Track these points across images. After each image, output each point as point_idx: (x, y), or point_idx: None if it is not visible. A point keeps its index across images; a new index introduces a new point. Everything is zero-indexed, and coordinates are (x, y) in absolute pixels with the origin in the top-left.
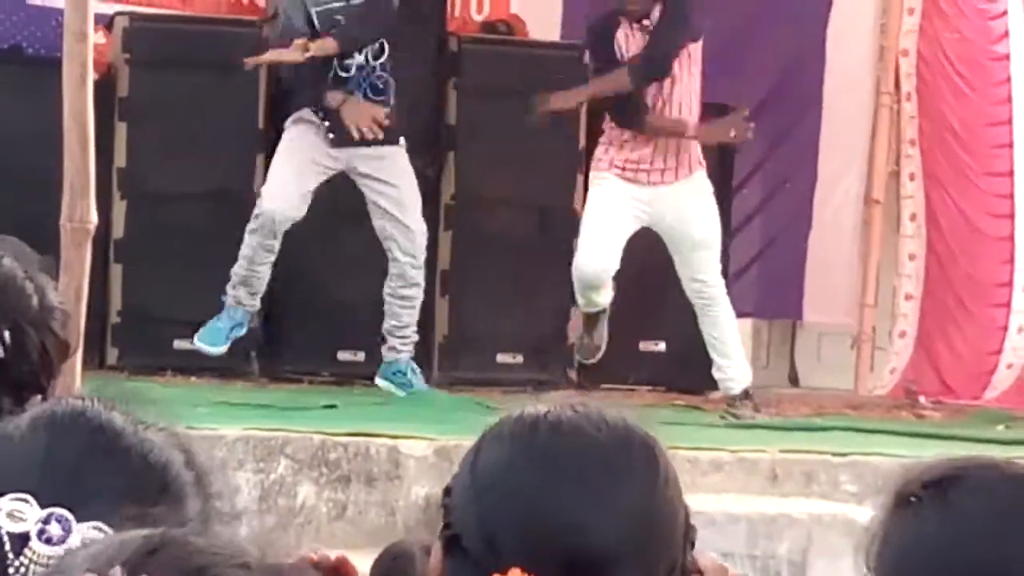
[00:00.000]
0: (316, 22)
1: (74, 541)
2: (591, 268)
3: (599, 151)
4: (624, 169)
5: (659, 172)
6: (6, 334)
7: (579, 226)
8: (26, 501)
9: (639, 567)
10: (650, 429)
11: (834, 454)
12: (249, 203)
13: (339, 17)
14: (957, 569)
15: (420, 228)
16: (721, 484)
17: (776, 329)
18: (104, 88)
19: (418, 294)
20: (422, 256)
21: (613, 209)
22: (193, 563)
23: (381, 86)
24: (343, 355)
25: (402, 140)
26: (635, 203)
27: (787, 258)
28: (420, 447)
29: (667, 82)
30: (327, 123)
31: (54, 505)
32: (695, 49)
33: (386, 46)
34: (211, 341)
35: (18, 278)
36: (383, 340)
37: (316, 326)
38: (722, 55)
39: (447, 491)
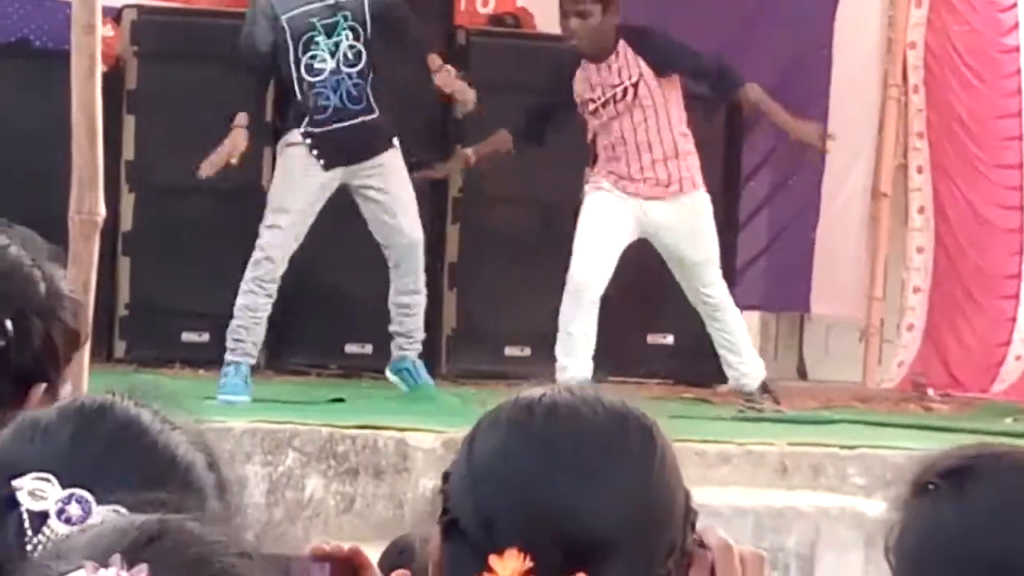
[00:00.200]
0: (288, 29)
1: (93, 522)
2: (583, 277)
3: (593, 170)
4: (615, 185)
5: (651, 185)
6: (8, 323)
7: None
8: (48, 481)
9: (636, 549)
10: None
11: (842, 447)
12: (257, 197)
13: (314, 20)
14: (974, 557)
15: (416, 234)
16: (729, 477)
17: (784, 322)
18: (112, 81)
19: (419, 301)
20: (419, 262)
21: (607, 218)
22: (192, 551)
23: (356, 94)
24: (351, 348)
25: (395, 141)
26: (628, 213)
27: (795, 251)
28: (428, 440)
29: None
30: (315, 150)
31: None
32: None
33: (363, 54)
34: (235, 392)
35: (25, 266)
36: (392, 338)
37: (324, 319)
38: (730, 48)
39: (445, 477)
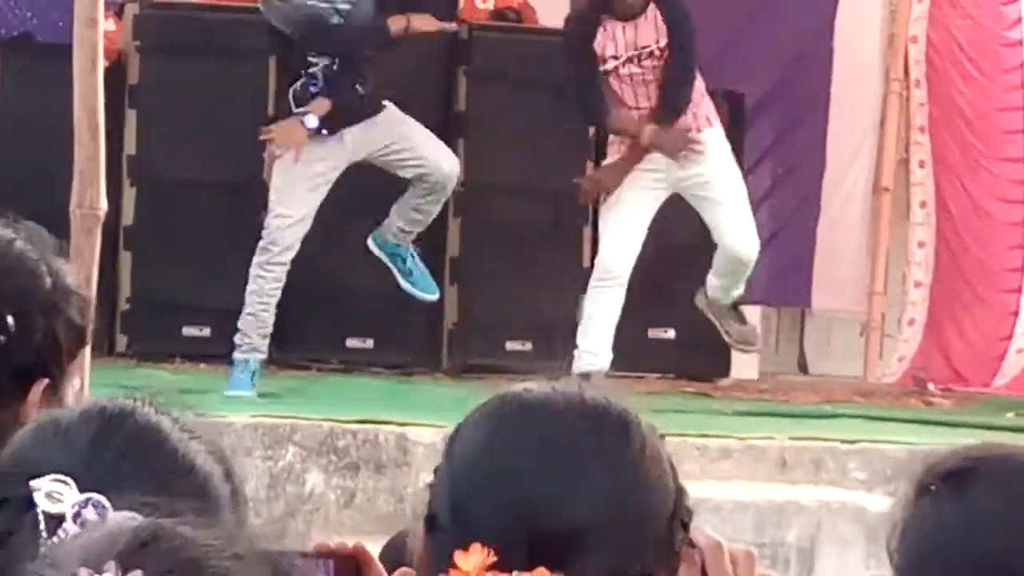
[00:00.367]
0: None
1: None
2: (616, 266)
3: (612, 138)
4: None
5: None
6: (9, 318)
7: (588, 213)
8: (65, 483)
9: (609, 544)
10: (657, 416)
11: (843, 441)
12: (258, 191)
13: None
14: (974, 559)
15: (445, 157)
16: (730, 471)
17: (785, 316)
18: (114, 75)
19: (436, 212)
20: (452, 185)
21: (631, 198)
22: (185, 555)
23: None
24: (352, 342)
25: (387, 103)
26: (653, 175)
27: (796, 246)
28: (428, 434)
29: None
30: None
31: (92, 492)
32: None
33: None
34: (240, 387)
35: (30, 260)
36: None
37: (325, 313)
38: (731, 43)
39: (435, 472)
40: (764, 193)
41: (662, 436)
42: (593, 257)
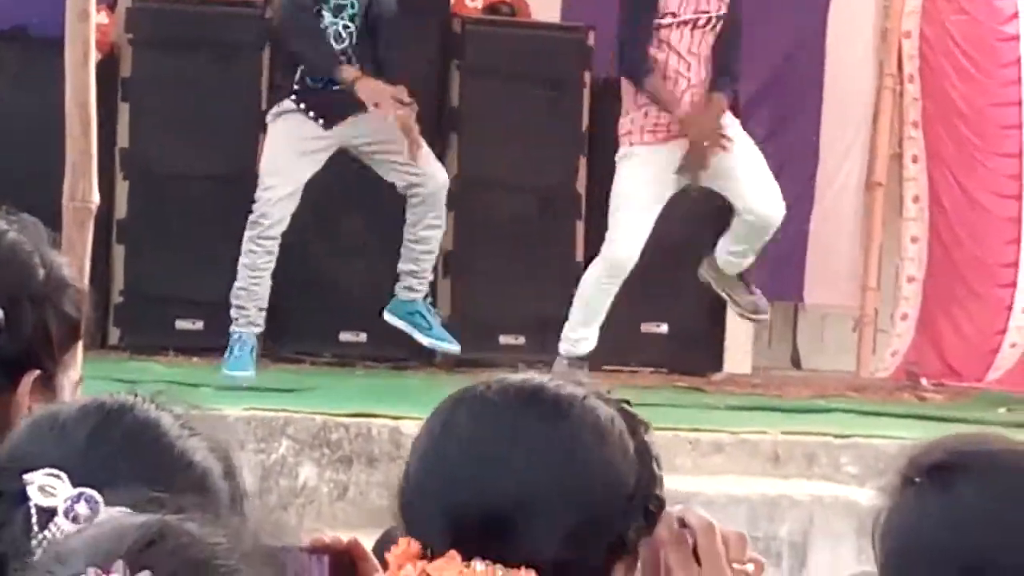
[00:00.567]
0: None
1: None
2: (626, 258)
3: (624, 123)
4: (655, 130)
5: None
6: None
7: (581, 207)
8: (58, 477)
9: (541, 528)
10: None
11: (836, 436)
12: (251, 184)
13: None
14: (956, 553)
15: (436, 169)
16: (722, 466)
17: (778, 311)
18: (107, 68)
19: (437, 236)
20: (444, 197)
21: (646, 188)
22: (192, 554)
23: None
24: (345, 336)
25: None
26: (668, 167)
27: (789, 240)
28: None
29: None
30: (311, 111)
31: (86, 487)
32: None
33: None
34: (240, 367)
35: (22, 252)
36: (396, 279)
37: (318, 307)
38: None
39: None
40: None
41: (646, 426)
42: (587, 252)
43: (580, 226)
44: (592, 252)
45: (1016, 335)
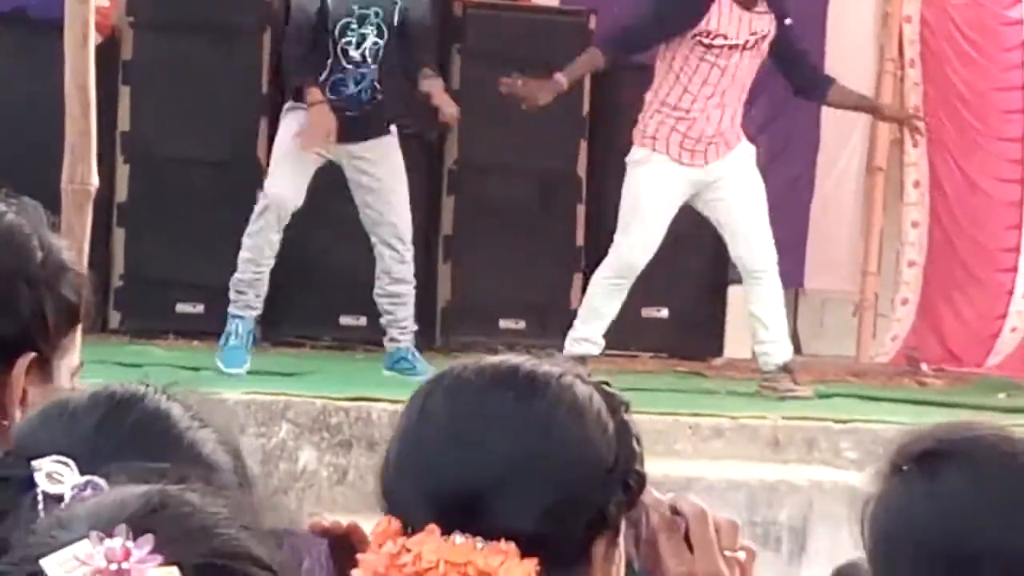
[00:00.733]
0: (330, 7)
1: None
2: (638, 264)
3: (648, 122)
4: (682, 148)
5: (715, 148)
6: None
7: (582, 192)
8: (66, 465)
9: (517, 505)
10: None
11: (835, 421)
12: (252, 167)
13: (353, 6)
14: (940, 542)
15: (405, 224)
16: (722, 450)
17: None
18: (108, 51)
19: (406, 291)
20: (407, 250)
21: (664, 197)
22: (194, 522)
23: (373, 88)
24: (345, 319)
25: (393, 128)
26: (686, 185)
27: (789, 226)
28: None
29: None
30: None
31: (94, 475)
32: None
33: (382, 52)
34: (235, 362)
35: (19, 235)
36: (383, 333)
37: (318, 291)
38: None
39: None
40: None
41: (625, 405)
42: (587, 236)
43: (581, 210)
44: (593, 236)
45: (1016, 320)
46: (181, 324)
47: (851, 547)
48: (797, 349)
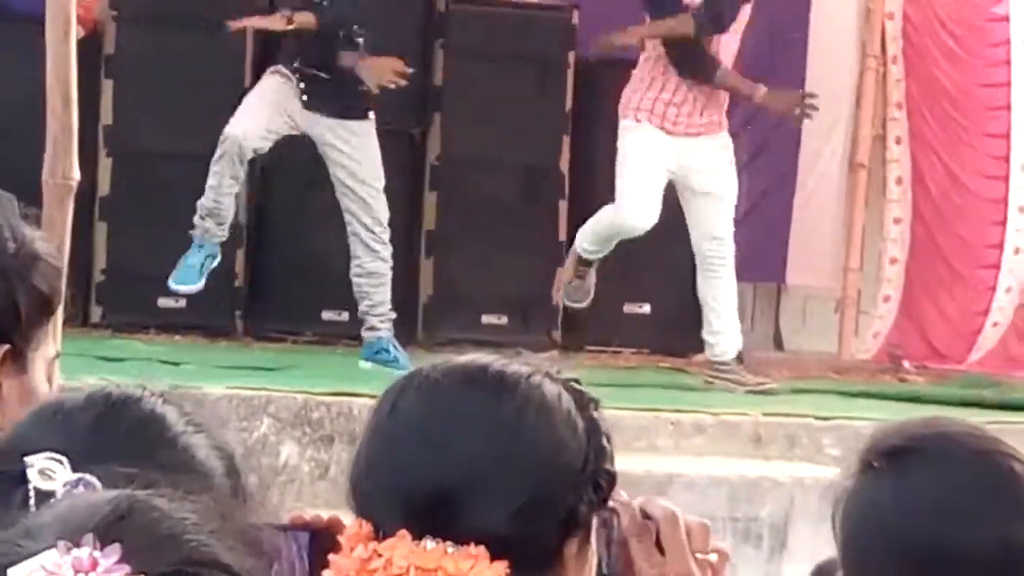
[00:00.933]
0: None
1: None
2: (638, 222)
3: (630, 95)
4: (664, 117)
5: (696, 123)
6: None
7: (565, 187)
8: (59, 462)
9: (488, 505)
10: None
11: (817, 417)
12: None
13: None
14: (909, 539)
15: (381, 205)
16: (703, 447)
17: (761, 292)
18: (91, 45)
19: (384, 269)
20: (384, 231)
21: (653, 159)
22: (163, 530)
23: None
24: (327, 314)
25: (371, 114)
26: (669, 153)
27: (772, 222)
28: None
29: (715, 40)
30: (302, 84)
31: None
32: (745, 11)
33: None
34: (186, 280)
35: None
36: (362, 323)
37: (300, 286)
38: None
39: None
40: (739, 170)
41: (595, 403)
42: (570, 232)
43: (564, 206)
44: (575, 231)
45: (999, 315)
46: (163, 318)
47: (832, 544)
48: (779, 346)
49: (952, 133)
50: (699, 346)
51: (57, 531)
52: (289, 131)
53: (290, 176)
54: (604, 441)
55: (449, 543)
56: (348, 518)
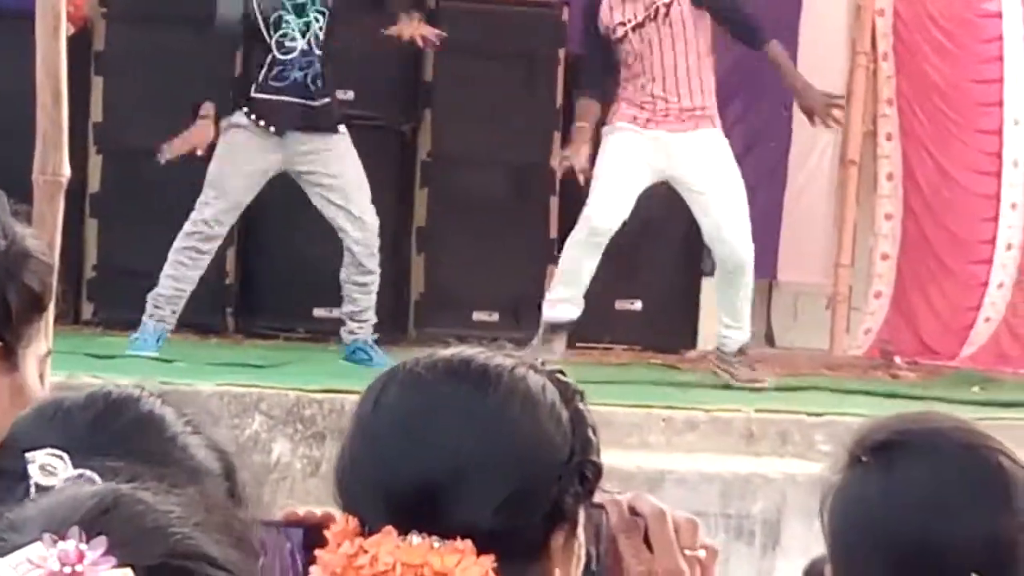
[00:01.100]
0: (259, 9)
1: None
2: (601, 223)
3: (616, 106)
4: (641, 108)
5: (676, 112)
6: None
7: (555, 184)
8: (60, 458)
9: (473, 498)
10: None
11: (809, 414)
12: None
13: None
14: (896, 533)
15: (369, 216)
16: (695, 443)
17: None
18: (80, 42)
19: (373, 280)
20: (375, 243)
21: (627, 161)
22: (148, 522)
23: (320, 75)
24: (318, 312)
25: (342, 128)
26: (651, 152)
27: (762, 218)
28: None
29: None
30: (262, 120)
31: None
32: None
33: (327, 36)
34: (142, 349)
35: None
36: (342, 323)
37: (292, 283)
38: None
39: None
40: None
41: (580, 394)
42: (561, 228)
43: (554, 202)
44: (566, 228)
45: (991, 310)
46: None
47: (824, 540)
48: (771, 342)
49: (943, 129)
50: (691, 342)
51: (42, 524)
52: (261, 187)
53: (281, 174)
54: (590, 432)
55: (435, 538)
56: (340, 514)
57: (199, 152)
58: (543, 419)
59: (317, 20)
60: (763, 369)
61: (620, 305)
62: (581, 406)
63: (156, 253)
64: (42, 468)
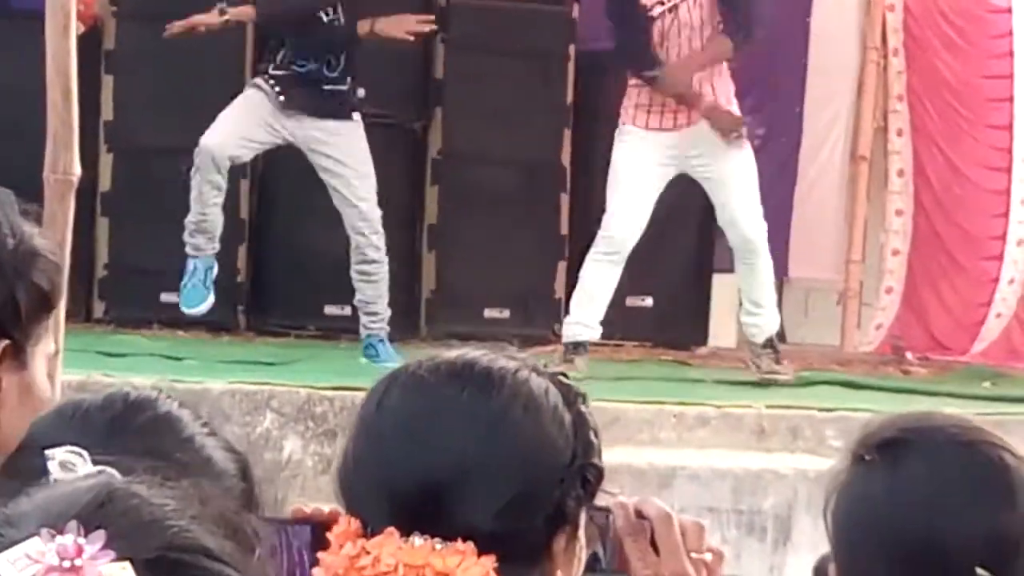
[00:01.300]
0: None
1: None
2: (617, 233)
3: (625, 102)
4: (648, 115)
5: (685, 113)
6: None
7: (566, 180)
8: (80, 455)
9: (476, 500)
10: (634, 384)
11: (820, 409)
12: None
13: None
14: (901, 531)
15: (367, 206)
16: (707, 439)
17: None
18: (91, 41)
19: (378, 269)
20: (375, 234)
21: (639, 171)
22: (144, 515)
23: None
24: (330, 309)
25: (356, 116)
26: (663, 152)
27: (773, 214)
28: None
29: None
30: (276, 88)
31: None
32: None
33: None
34: (195, 300)
35: None
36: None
37: (303, 280)
38: None
39: None
40: None
41: (582, 397)
42: (571, 225)
43: (565, 199)
44: (577, 225)
45: (1002, 306)
46: (165, 313)
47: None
48: (782, 338)
49: (954, 125)
50: (702, 339)
51: (39, 519)
52: (273, 140)
53: (292, 171)
54: (591, 435)
55: (437, 539)
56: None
57: (201, 29)
58: (546, 422)
59: (332, 11)
60: (788, 365)
61: (631, 302)
62: (583, 409)
63: (168, 251)
64: (62, 464)
